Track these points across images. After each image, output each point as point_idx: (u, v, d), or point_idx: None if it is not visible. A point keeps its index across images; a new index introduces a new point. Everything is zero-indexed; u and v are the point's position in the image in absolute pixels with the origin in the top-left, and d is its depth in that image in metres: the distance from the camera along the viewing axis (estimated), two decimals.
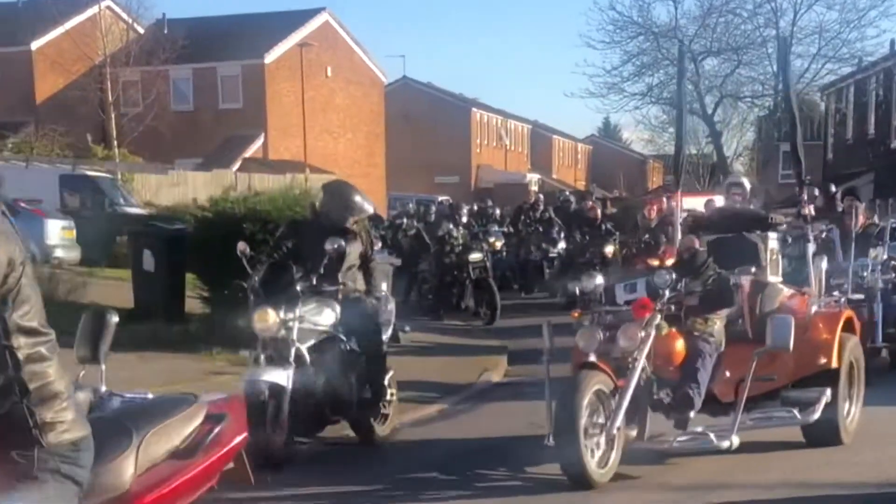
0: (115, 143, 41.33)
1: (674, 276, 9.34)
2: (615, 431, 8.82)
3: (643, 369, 9.05)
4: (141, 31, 48.52)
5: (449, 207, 32.57)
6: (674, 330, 9.39)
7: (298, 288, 9.77)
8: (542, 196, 31.07)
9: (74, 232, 25.60)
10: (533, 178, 78.86)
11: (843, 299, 11.80)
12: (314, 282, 10.03)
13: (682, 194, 12.68)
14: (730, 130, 58.72)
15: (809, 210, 12.98)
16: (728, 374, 9.71)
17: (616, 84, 52.82)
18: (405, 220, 27.85)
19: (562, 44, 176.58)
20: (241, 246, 10.10)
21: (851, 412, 10.49)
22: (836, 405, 9.90)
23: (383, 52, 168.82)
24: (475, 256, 21.27)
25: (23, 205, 25.23)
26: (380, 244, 18.17)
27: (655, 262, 10.02)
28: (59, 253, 24.53)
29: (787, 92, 17.20)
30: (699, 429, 9.40)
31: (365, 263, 10.71)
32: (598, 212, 25.25)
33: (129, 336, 14.01)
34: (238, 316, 10.53)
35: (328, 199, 10.89)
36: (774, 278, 11.02)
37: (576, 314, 9.67)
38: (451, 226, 22.52)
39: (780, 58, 45.09)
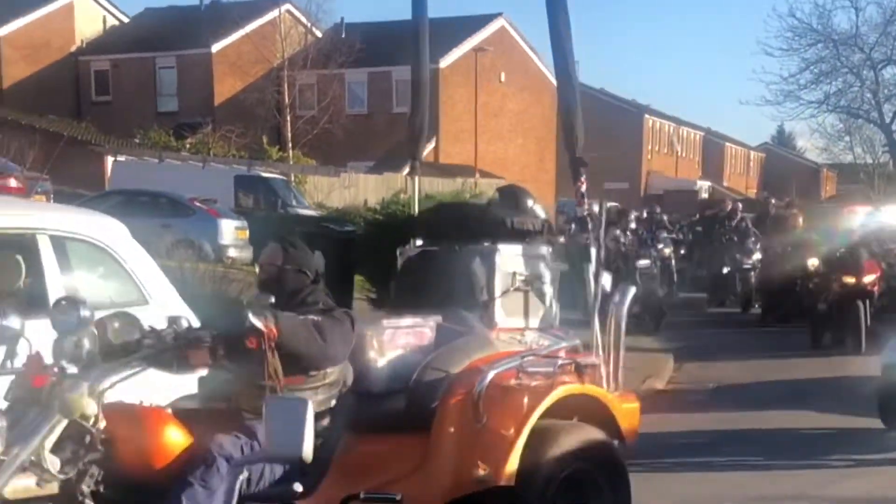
0: (290, 144, 42.02)
1: None
2: None
3: None
4: (319, 34, 49.24)
5: (616, 213, 32.20)
6: None
7: None
8: (740, 204, 29.24)
9: (247, 232, 26.01)
10: (703, 185, 77.79)
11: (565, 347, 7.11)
12: None
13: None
14: None
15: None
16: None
17: (792, 92, 51.82)
18: (573, 226, 27.63)
19: (739, 51, 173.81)
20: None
21: None
22: None
23: None
24: (643, 263, 20.99)
25: (198, 204, 25.80)
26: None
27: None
28: (231, 252, 24.94)
29: None
30: None
31: None
32: (800, 220, 22.93)
33: None
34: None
35: (501, 202, 10.81)
36: (512, 321, 7.11)
37: None
38: (619, 231, 22.23)
39: None
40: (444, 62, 51.18)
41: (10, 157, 22.83)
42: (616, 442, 6.58)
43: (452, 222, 7.76)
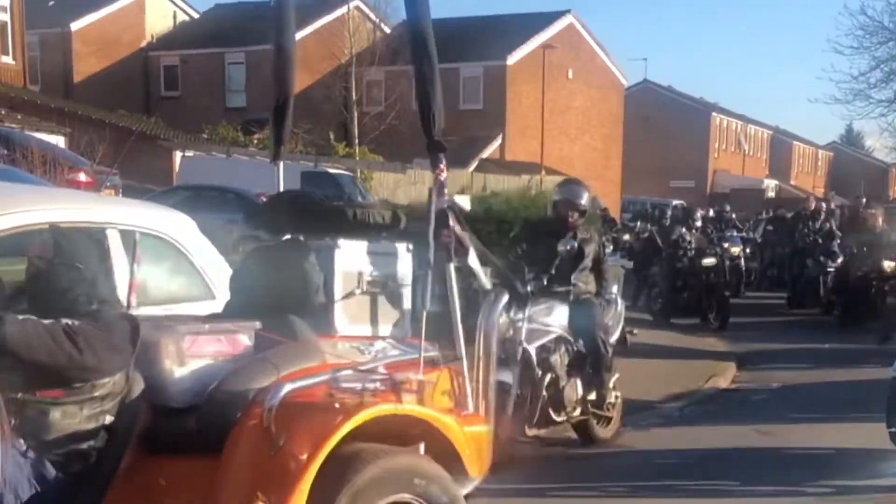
0: (357, 141, 42.15)
1: None
2: None
3: None
4: (387, 31, 49.36)
5: (683, 211, 32.01)
6: None
7: (529, 288, 9.73)
8: (823, 204, 28.36)
9: None
10: (770, 183, 77.29)
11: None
12: (545, 282, 10.00)
13: None
14: None
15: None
16: None
17: (862, 90, 51.12)
18: (638, 224, 27.52)
19: (808, 49, 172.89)
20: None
21: None
22: None
23: (625, 55, 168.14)
24: (708, 261, 20.85)
25: (265, 200, 25.91)
26: (611, 247, 18.00)
27: None
28: None
29: None
30: None
31: (597, 265, 10.61)
32: (880, 220, 21.89)
33: None
34: (470, 313, 10.55)
35: (559, 193, 10.83)
36: (358, 328, 6.13)
37: None
38: (685, 230, 22.10)
39: None
40: (512, 59, 51.15)
41: (80, 152, 23.05)
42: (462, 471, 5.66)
43: (289, 213, 6.53)
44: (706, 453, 10.58)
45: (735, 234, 26.72)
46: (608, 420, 10.68)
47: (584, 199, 10.57)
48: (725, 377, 15.29)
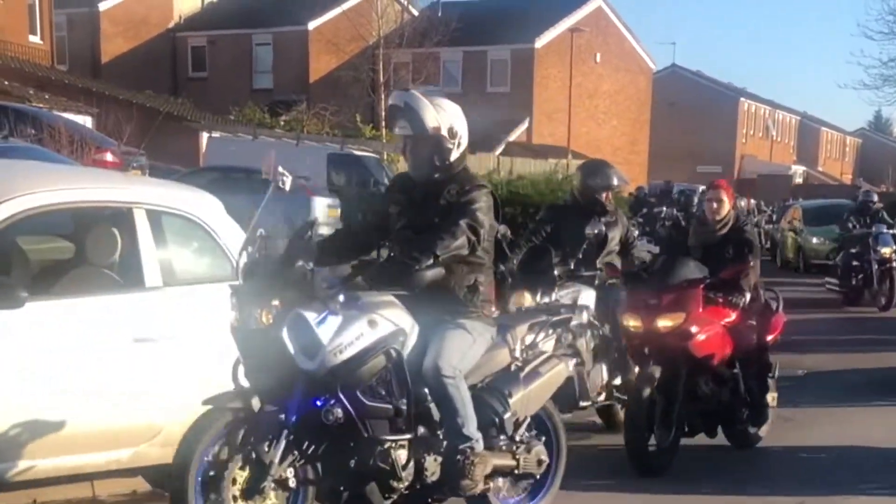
0: (383, 123, 42.12)
1: None
2: None
3: None
4: (415, 13, 49.34)
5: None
6: None
7: (556, 272, 9.66)
8: (875, 193, 26.06)
9: (339, 211, 26.06)
10: (798, 170, 77.02)
11: None
12: (572, 266, 9.92)
13: None
14: None
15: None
16: None
17: (892, 76, 50.86)
18: (664, 209, 27.35)
19: (838, 34, 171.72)
20: (502, 229, 10.02)
21: None
22: None
23: (654, 39, 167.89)
24: None
25: None
26: (637, 232, 17.85)
27: None
28: (323, 231, 24.86)
29: None
30: None
31: (624, 249, 10.53)
32: None
33: None
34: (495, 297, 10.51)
35: (584, 174, 10.74)
36: None
37: None
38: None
39: None
40: (540, 42, 51.07)
41: (107, 132, 23.10)
42: None
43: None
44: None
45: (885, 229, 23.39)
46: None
47: (614, 180, 10.50)
48: None
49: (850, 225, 22.38)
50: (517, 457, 7.00)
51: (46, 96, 33.16)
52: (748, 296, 9.48)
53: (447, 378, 6.41)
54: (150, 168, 20.98)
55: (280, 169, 6.65)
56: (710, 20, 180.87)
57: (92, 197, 7.33)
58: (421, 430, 6.55)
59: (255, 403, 6.06)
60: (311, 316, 6.14)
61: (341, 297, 6.22)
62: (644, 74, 61.48)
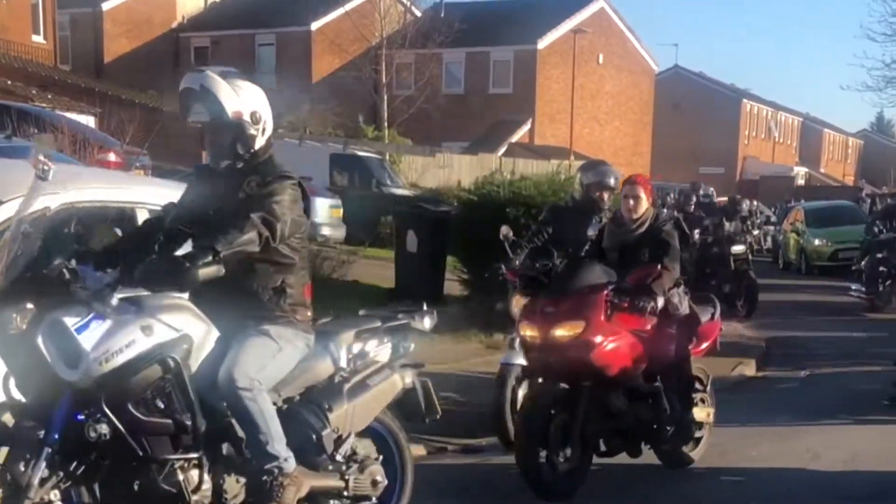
0: (386, 124, 42.15)
1: None
2: None
3: None
4: (418, 13, 49.33)
5: (729, 201, 31.63)
6: None
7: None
8: None
9: (342, 211, 26.10)
10: (800, 171, 77.03)
11: None
12: None
13: None
14: None
15: None
16: None
17: (894, 78, 50.87)
18: (664, 211, 27.31)
19: (841, 35, 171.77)
20: (505, 230, 10.04)
21: None
22: None
23: (656, 40, 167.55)
24: (737, 249, 20.72)
25: None
26: None
27: None
28: (325, 231, 25.02)
29: None
30: None
31: None
32: None
33: None
34: (496, 300, 10.50)
35: (582, 174, 10.71)
36: None
37: None
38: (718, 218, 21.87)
39: None
40: (542, 43, 51.04)
41: (110, 132, 23.10)
42: None
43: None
44: (731, 439, 10.51)
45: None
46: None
47: (612, 180, 10.45)
48: (752, 365, 15.19)
49: (876, 229, 22.07)
50: (346, 477, 6.35)
51: (49, 96, 33.17)
52: (660, 301, 8.52)
53: (242, 390, 5.74)
54: (152, 168, 21.00)
55: (42, 157, 5.73)
56: (713, 21, 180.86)
57: (95, 197, 7.33)
58: (226, 448, 5.92)
59: (8, 419, 5.50)
60: (71, 321, 5.48)
61: (114, 300, 5.59)
62: (647, 75, 61.45)
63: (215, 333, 5.94)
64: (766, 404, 12.63)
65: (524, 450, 8.18)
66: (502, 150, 47.13)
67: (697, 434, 9.32)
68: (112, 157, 19.18)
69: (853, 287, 21.81)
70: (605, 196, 10.32)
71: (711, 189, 23.04)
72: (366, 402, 6.44)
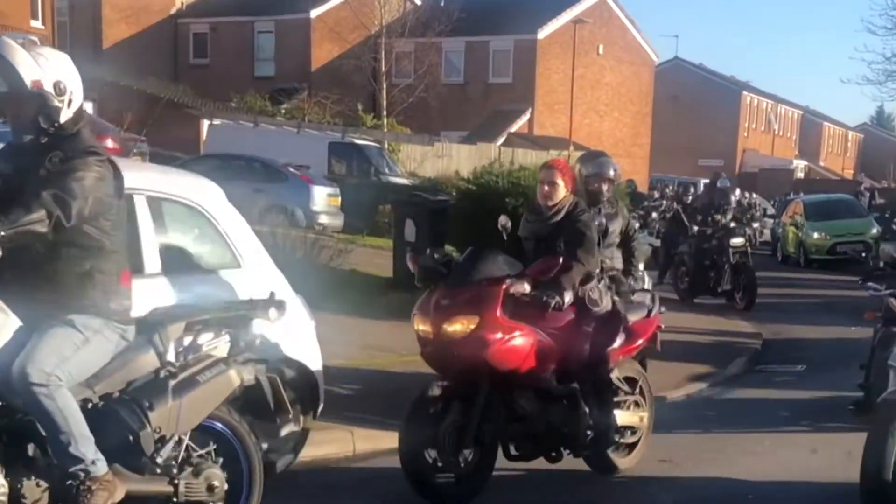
0: (385, 112, 42.08)
1: None
2: None
3: None
4: (418, 2, 49.25)
5: (720, 193, 31.62)
6: None
7: None
8: None
9: (339, 200, 26.09)
10: (799, 164, 76.99)
11: None
12: None
13: None
14: None
15: None
16: None
17: (895, 72, 50.86)
18: (664, 202, 27.30)
19: (842, 28, 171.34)
20: (503, 220, 9.94)
21: None
22: None
23: (657, 31, 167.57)
24: (737, 241, 20.68)
25: (291, 170, 25.93)
26: (637, 224, 17.81)
27: None
28: (323, 219, 25.03)
29: None
30: None
31: (625, 242, 10.44)
32: None
33: (385, 304, 14.26)
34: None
35: (586, 166, 10.63)
36: None
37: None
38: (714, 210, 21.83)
39: None
40: (542, 33, 50.92)
41: (108, 118, 23.06)
42: None
43: None
44: (727, 433, 10.49)
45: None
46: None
47: (612, 171, 10.36)
48: (750, 358, 15.18)
49: (895, 226, 21.81)
50: (175, 481, 5.83)
51: None
52: (568, 296, 7.88)
53: (37, 386, 5.23)
54: (150, 154, 20.99)
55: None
56: (714, 13, 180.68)
57: None
58: (31, 449, 5.43)
59: None
60: None
61: None
62: (647, 67, 61.35)
63: (14, 322, 5.44)
64: (763, 398, 12.61)
65: (407, 449, 7.55)
66: (501, 139, 47.06)
67: (629, 440, 8.82)
68: (110, 143, 19.07)
69: (871, 286, 21.71)
70: (605, 188, 10.21)
71: (728, 182, 22.87)
72: (195, 400, 5.85)
